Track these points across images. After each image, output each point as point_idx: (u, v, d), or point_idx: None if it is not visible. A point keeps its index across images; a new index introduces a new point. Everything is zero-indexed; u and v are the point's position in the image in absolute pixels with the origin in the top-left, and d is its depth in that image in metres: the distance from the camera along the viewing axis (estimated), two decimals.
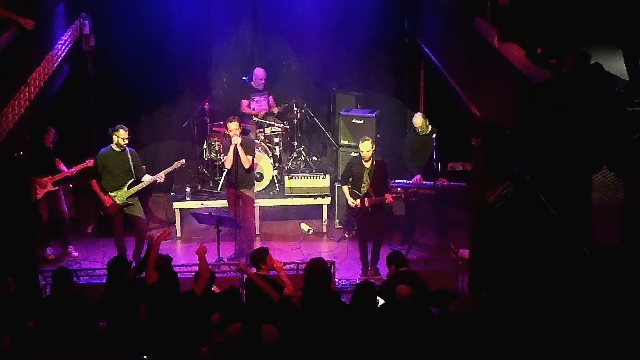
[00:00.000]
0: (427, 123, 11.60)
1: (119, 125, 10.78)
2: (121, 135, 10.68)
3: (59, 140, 11.49)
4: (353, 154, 11.37)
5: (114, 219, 10.97)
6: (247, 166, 11.10)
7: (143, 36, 13.06)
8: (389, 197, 10.74)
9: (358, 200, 10.81)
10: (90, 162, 11.25)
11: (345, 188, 10.97)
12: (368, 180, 10.80)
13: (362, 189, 10.84)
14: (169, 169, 11.12)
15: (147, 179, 10.97)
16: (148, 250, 8.95)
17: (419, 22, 12.92)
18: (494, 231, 9.53)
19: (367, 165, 10.80)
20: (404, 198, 11.68)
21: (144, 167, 11.20)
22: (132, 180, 10.86)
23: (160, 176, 10.99)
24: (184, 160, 11.27)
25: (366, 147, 10.68)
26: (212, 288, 8.65)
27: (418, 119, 11.60)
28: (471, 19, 9.51)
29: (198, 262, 8.54)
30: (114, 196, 10.79)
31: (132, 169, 10.85)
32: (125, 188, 10.81)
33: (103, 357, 7.59)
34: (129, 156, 10.84)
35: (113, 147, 10.79)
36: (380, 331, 7.52)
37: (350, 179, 10.93)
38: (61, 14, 11.04)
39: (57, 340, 7.49)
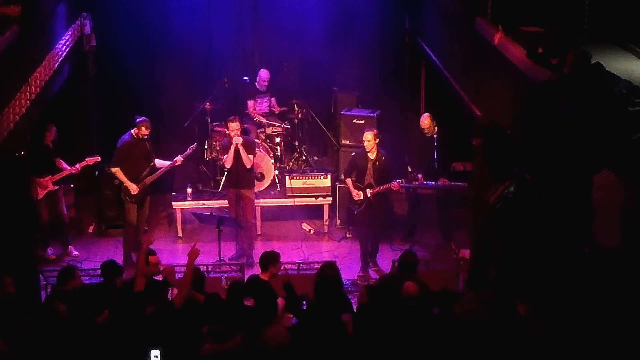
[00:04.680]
0: (435, 125, 11.53)
1: (144, 120, 10.91)
2: (142, 132, 10.89)
3: (59, 139, 11.48)
4: (354, 154, 11.35)
5: (131, 206, 11.09)
6: (248, 166, 11.10)
7: (144, 36, 13.08)
8: (394, 184, 10.71)
9: (361, 192, 10.80)
10: (90, 160, 11.29)
11: (349, 180, 10.96)
12: (372, 172, 10.77)
13: (365, 182, 10.83)
14: (185, 153, 11.30)
15: (163, 163, 11.19)
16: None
17: (420, 22, 12.92)
18: (495, 231, 9.52)
19: (372, 156, 10.78)
20: (406, 197, 11.67)
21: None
22: (151, 165, 11.11)
23: (179, 159, 11.22)
24: (195, 144, 11.51)
25: (367, 137, 10.70)
26: (226, 286, 8.63)
27: (426, 120, 11.53)
28: (472, 19, 9.51)
29: (186, 265, 8.43)
30: (140, 183, 11.00)
31: (150, 155, 11.08)
32: (147, 174, 11.04)
33: (102, 356, 7.57)
34: (146, 142, 11.05)
35: (134, 134, 10.95)
36: (382, 330, 7.52)
37: (355, 172, 10.91)
38: (62, 14, 11.05)
39: (57, 339, 7.47)
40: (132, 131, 10.95)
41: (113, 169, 11.03)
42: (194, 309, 7.96)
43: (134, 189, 10.95)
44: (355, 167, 10.95)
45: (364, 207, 10.89)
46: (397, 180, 10.72)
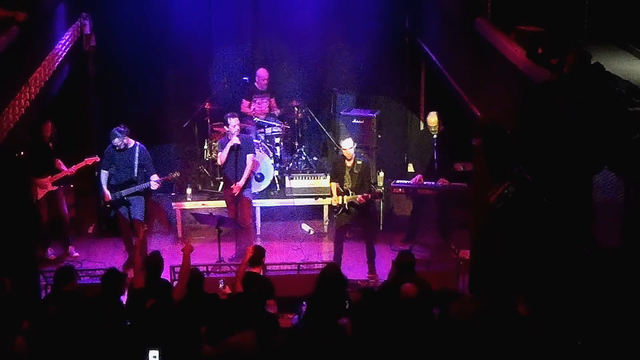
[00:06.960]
0: (441, 123, 11.51)
1: (116, 130, 10.72)
2: (115, 143, 10.72)
3: (59, 139, 11.46)
4: (335, 159, 11.34)
5: (119, 216, 11.00)
6: (250, 162, 11.14)
7: (143, 36, 13.06)
8: (359, 197, 10.68)
9: (340, 198, 10.79)
10: (89, 161, 11.27)
11: (333, 185, 10.97)
12: (349, 178, 10.78)
13: (343, 187, 10.83)
14: (163, 178, 11.09)
15: (153, 178, 10.93)
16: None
17: (420, 22, 12.91)
18: (495, 231, 9.52)
19: (349, 164, 10.79)
20: (407, 197, 11.65)
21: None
22: (133, 178, 10.83)
23: (153, 184, 10.95)
24: (178, 173, 11.31)
25: (347, 145, 10.68)
26: (224, 289, 8.63)
27: (433, 118, 11.47)
28: (472, 19, 9.51)
29: (182, 259, 8.45)
30: (113, 192, 10.83)
31: (136, 167, 10.84)
32: (124, 185, 10.84)
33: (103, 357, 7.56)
34: (137, 153, 10.84)
35: None
36: (384, 331, 7.51)
37: (338, 177, 10.93)
38: (62, 14, 11.04)
39: (54, 340, 7.46)
40: None
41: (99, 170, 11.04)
42: (196, 307, 7.97)
43: (106, 195, 10.86)
44: (336, 172, 10.96)
45: (341, 213, 10.87)
46: (364, 194, 10.66)
